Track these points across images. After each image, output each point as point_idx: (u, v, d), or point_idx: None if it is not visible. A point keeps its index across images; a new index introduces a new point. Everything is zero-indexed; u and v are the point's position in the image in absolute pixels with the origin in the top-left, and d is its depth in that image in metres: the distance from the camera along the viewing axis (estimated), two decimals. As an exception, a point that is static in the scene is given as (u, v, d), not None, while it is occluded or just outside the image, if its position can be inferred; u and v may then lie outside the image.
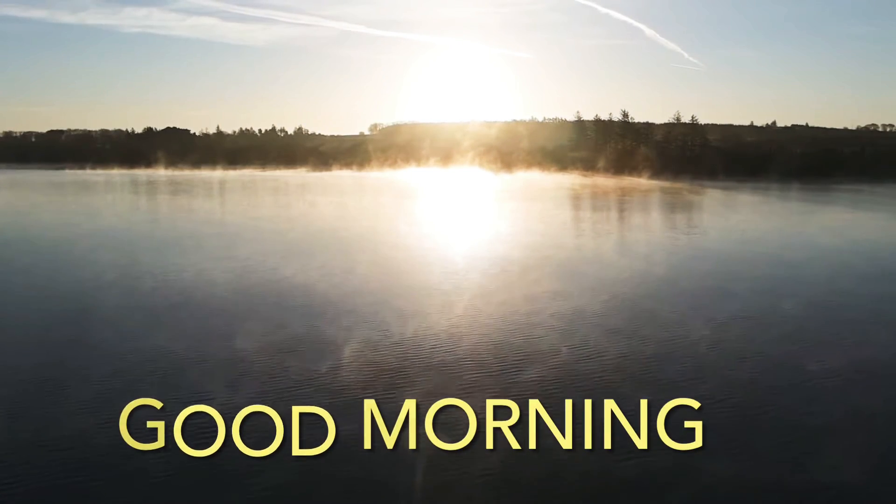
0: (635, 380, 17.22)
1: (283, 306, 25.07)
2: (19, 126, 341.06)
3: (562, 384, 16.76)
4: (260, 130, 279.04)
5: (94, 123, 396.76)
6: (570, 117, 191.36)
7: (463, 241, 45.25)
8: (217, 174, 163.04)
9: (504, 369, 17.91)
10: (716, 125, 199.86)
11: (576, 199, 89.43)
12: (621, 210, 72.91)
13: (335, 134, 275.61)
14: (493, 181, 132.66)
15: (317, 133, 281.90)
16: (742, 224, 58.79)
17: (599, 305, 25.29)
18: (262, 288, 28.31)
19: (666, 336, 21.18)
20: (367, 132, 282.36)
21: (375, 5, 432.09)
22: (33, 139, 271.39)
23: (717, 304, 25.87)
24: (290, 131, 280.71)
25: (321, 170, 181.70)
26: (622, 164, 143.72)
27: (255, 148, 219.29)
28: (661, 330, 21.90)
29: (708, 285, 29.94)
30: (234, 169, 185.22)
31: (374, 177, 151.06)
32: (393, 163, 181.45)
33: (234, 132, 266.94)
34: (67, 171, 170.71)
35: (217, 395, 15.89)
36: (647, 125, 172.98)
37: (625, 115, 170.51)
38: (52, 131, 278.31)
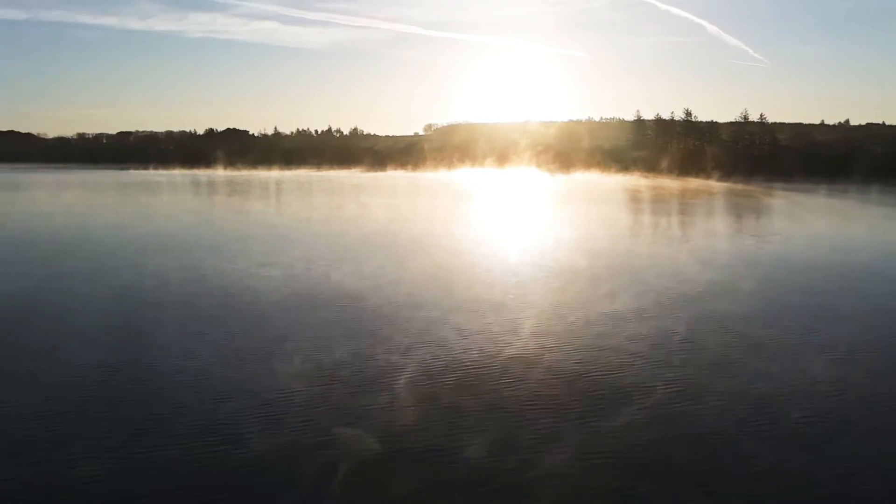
0: (758, 441, 13.88)
1: (329, 321, 22.67)
2: (92, 128, 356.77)
3: (658, 442, 13.61)
4: (316, 131, 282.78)
5: (160, 125, 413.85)
6: (628, 117, 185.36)
7: (524, 247, 42.11)
8: (273, 174, 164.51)
9: (584, 414, 14.87)
10: (784, 124, 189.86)
11: (641, 201, 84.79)
12: (693, 214, 68.11)
13: (390, 134, 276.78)
14: (551, 182, 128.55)
15: (371, 133, 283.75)
16: (829, 230, 53.55)
17: (687, 328, 21.87)
18: (306, 299, 26.03)
19: (778, 372, 17.65)
20: (421, 132, 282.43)
21: (431, 7, 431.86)
22: (104, 140, 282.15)
23: (826, 328, 22.05)
24: (346, 132, 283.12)
25: (376, 170, 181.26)
26: (687, 165, 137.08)
27: (311, 148, 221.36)
28: (769, 363, 18.36)
29: (809, 303, 25.98)
30: (291, 169, 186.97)
31: (429, 177, 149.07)
32: (448, 163, 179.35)
33: (291, 133, 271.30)
34: (131, 172, 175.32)
35: (245, 438, 13.47)
36: (712, 124, 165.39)
37: (688, 113, 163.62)
38: (121, 133, 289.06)
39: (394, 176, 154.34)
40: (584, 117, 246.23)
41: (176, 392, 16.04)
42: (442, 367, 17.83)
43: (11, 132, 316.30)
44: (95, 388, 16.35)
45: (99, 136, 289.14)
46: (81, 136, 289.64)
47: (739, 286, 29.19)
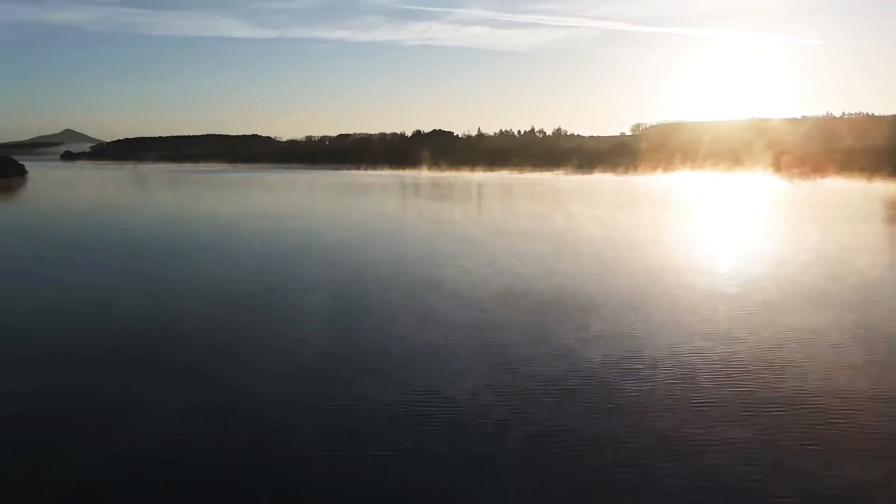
0: None
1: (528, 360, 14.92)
2: (318, 131, 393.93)
3: None
4: (518, 131, 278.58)
5: (374, 127, 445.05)
6: (881, 111, 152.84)
7: (770, 283, 30.21)
8: (476, 175, 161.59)
9: None
10: None
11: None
12: None
13: (594, 135, 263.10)
14: (798, 190, 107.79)
15: (575, 134, 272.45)
16: None
17: None
18: (499, 338, 18.48)
19: None
20: (628, 132, 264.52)
21: (642, 1, 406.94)
22: (327, 142, 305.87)
23: None
24: (549, 132, 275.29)
25: (580, 172, 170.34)
26: None
27: (514, 149, 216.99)
28: None
29: None
30: (493, 170, 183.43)
31: (643, 182, 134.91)
32: (660, 165, 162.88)
33: (494, 133, 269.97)
34: (343, 172, 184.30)
35: None
36: None
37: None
38: (340, 135, 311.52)
39: (602, 180, 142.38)
40: (820, 112, 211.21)
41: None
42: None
43: (254, 136, 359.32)
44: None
45: (323, 139, 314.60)
46: (308, 139, 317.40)
47: None
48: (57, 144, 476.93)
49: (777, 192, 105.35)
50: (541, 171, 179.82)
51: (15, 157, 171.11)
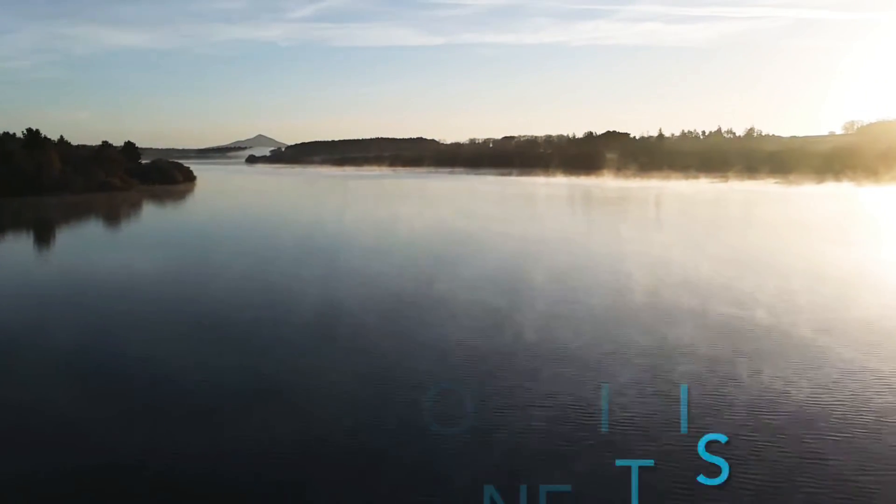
0: None
1: None
2: (482, 133, 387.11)
3: None
4: (703, 132, 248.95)
5: (541, 129, 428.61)
6: None
7: None
8: (676, 186, 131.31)
9: None
10: None
11: None
12: None
13: (796, 135, 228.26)
14: None
15: (772, 134, 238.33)
16: None
17: None
18: None
19: None
20: (838, 132, 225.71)
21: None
22: (490, 145, 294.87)
23: None
24: (739, 133, 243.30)
25: (787, 182, 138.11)
26: None
27: (699, 153, 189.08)
28: None
29: None
30: (690, 177, 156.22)
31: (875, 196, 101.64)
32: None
33: (672, 135, 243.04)
34: (510, 179, 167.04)
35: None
36: None
37: None
38: (505, 137, 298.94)
39: (822, 193, 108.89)
40: None
41: None
42: None
43: (419, 139, 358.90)
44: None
45: (486, 141, 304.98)
46: (472, 142, 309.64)
47: None
48: (247, 148, 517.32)
49: None
50: (751, 178, 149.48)
51: (209, 160, 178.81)
